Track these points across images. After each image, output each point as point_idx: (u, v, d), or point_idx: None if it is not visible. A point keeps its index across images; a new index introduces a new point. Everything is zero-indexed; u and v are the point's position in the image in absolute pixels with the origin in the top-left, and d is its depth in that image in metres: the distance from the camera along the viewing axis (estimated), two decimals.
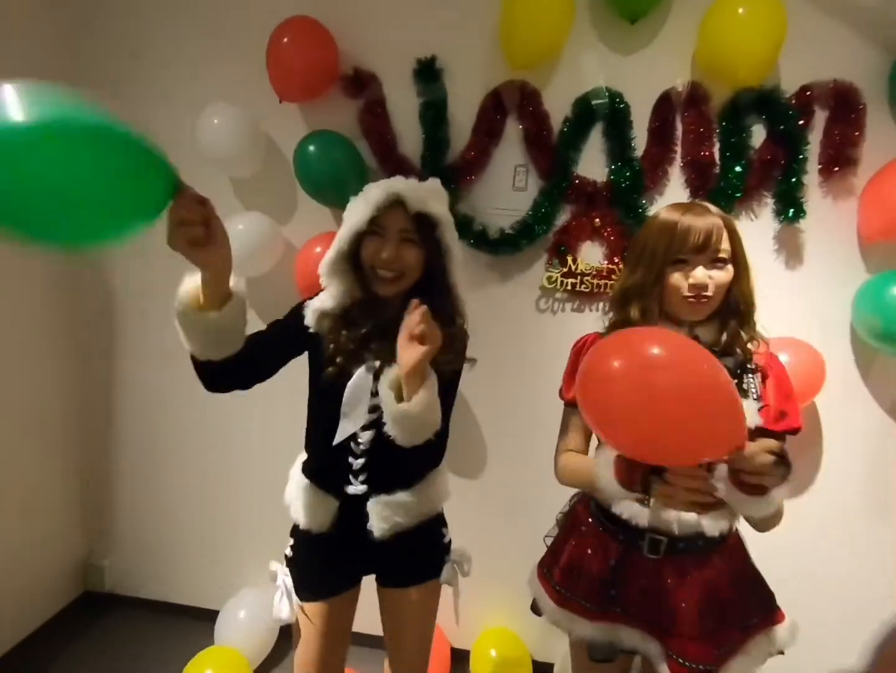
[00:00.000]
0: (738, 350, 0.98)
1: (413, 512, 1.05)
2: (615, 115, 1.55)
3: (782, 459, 0.77)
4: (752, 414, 0.92)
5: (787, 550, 1.62)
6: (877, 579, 1.60)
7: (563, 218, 1.62)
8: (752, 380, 0.96)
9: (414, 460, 1.04)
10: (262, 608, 1.81)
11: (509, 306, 1.70)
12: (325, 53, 1.54)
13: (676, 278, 0.94)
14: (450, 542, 1.17)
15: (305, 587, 1.09)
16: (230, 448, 1.92)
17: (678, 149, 1.56)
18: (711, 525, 0.95)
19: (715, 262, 0.94)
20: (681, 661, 0.94)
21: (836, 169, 1.48)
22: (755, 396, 0.95)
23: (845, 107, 1.46)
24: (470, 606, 1.91)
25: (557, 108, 1.58)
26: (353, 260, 1.00)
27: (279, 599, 1.08)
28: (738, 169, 1.51)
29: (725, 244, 0.94)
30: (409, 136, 1.65)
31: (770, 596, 1.04)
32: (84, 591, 2.06)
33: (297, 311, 1.06)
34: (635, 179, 1.54)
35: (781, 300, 1.58)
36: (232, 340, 0.89)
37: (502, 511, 1.81)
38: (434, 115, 1.60)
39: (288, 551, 1.12)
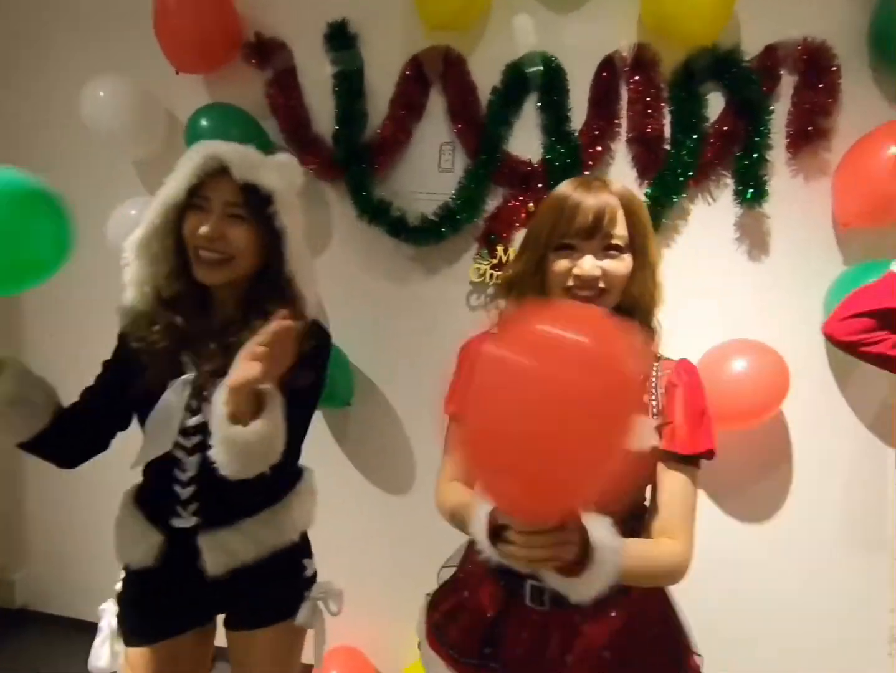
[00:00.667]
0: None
1: (257, 545, 0.87)
2: (550, 84, 1.35)
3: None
4: (648, 432, 0.74)
5: (747, 592, 1.42)
6: (858, 629, 1.37)
7: (493, 203, 1.43)
8: (653, 391, 0.77)
9: (254, 487, 0.86)
10: None
11: (436, 303, 1.51)
12: (221, 17, 1.37)
13: (560, 266, 0.75)
14: (314, 575, 0.98)
15: (129, 628, 0.92)
16: None
17: (623, 122, 1.36)
18: None
19: (608, 249, 0.75)
20: None
21: (807, 143, 1.27)
22: (655, 410, 0.76)
23: (817, 70, 1.24)
24: (403, 629, 1.73)
25: (486, 77, 1.39)
26: (176, 243, 0.82)
27: (100, 644, 0.91)
28: (691, 144, 1.30)
29: (621, 229, 0.75)
30: (324, 112, 1.47)
31: (685, 647, 0.84)
32: None
33: (120, 335, 0.90)
34: (573, 157, 1.34)
35: (744, 297, 1.37)
36: (25, 413, 0.78)
37: (435, 526, 1.62)
38: (348, 86, 1.42)
39: (118, 586, 0.95)
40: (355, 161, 1.41)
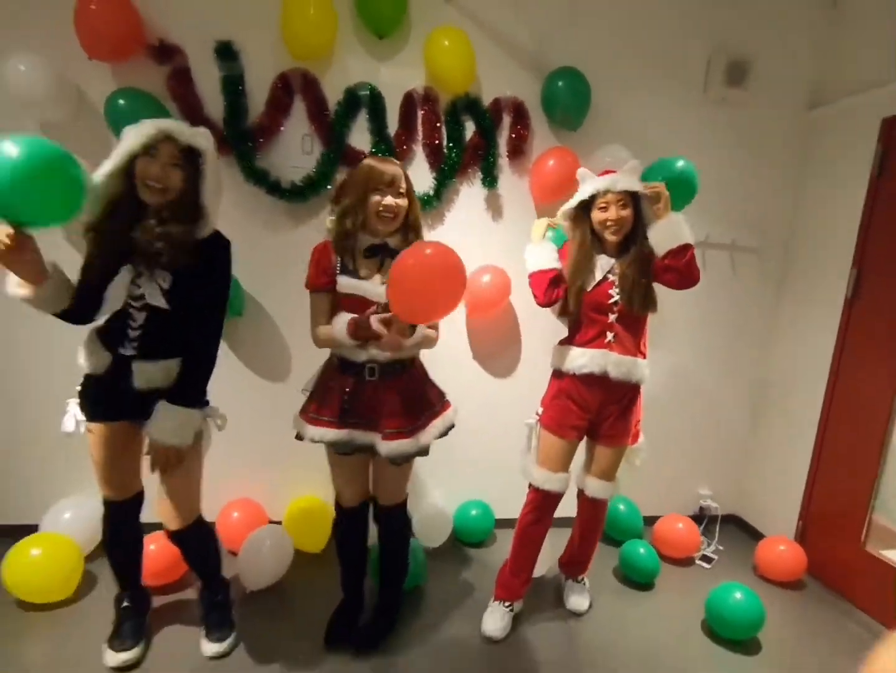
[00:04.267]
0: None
1: (168, 376, 1.45)
2: (374, 103, 2.14)
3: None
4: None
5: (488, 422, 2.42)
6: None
7: (341, 176, 2.17)
8: None
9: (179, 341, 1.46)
10: (88, 509, 2.06)
11: (301, 245, 2.15)
12: (127, 22, 1.84)
13: (376, 200, 1.53)
14: (207, 402, 1.56)
15: (86, 409, 1.48)
16: (30, 365, 2.10)
17: (420, 133, 2.22)
18: (404, 355, 1.60)
19: (398, 195, 1.56)
20: (387, 431, 1.56)
21: (516, 156, 2.29)
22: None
23: (519, 115, 2.27)
24: (283, 480, 2.37)
25: (333, 93, 2.12)
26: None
27: (67, 419, 1.48)
28: (456, 151, 2.23)
29: (404, 184, 1.58)
30: (214, 101, 2.03)
31: (442, 395, 1.73)
32: None
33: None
34: (389, 152, 2.17)
35: (490, 239, 2.36)
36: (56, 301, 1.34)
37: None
38: (233, 88, 2.02)
39: (78, 386, 1.50)
40: (241, 141, 2.02)
